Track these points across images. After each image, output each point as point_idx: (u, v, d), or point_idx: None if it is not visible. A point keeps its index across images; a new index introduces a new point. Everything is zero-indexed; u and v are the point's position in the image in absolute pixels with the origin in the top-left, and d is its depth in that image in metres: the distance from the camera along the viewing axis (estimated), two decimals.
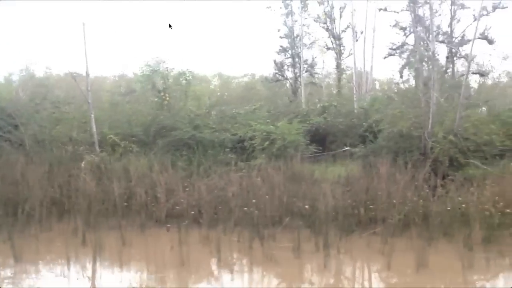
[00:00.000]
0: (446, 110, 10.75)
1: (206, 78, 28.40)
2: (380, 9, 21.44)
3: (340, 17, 22.03)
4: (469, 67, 15.69)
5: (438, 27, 19.41)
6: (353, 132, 14.02)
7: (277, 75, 24.24)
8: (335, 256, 6.68)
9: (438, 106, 10.73)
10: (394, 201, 7.97)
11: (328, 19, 21.96)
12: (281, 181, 8.85)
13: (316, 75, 25.00)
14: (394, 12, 21.23)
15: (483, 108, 14.57)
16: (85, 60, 11.97)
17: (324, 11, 21.91)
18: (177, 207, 7.95)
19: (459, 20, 19.72)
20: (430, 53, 12.31)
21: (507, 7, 18.15)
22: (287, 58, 23.73)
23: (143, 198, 8.32)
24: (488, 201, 7.89)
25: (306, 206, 7.69)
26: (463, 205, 7.71)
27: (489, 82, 25.09)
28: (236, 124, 12.55)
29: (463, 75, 20.93)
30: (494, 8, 18.59)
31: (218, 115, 12.71)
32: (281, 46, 23.46)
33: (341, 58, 22.55)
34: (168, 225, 7.78)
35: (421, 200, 8.08)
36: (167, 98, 12.56)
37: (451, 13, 20.01)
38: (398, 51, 20.56)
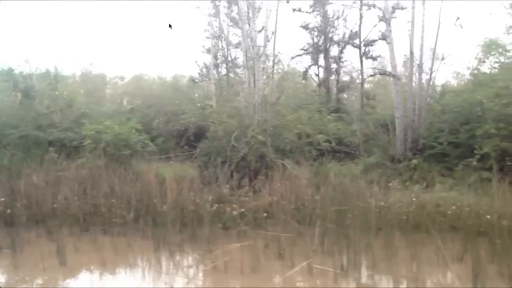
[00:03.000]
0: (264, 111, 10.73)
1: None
2: (294, 10, 21.58)
3: (255, 18, 22.01)
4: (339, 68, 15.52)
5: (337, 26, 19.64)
6: None
7: (201, 76, 24.44)
8: None
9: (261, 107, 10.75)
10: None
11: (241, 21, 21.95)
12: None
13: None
14: (307, 12, 21.43)
15: None
16: None
17: (238, 13, 21.87)
18: None
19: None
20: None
21: (405, 8, 18.02)
22: (216, 58, 23.85)
23: None
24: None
25: (54, 205, 7.69)
26: (216, 205, 7.73)
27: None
28: (88, 123, 12.53)
29: (371, 75, 21.06)
30: (394, 9, 18.53)
31: (67, 114, 12.70)
32: (203, 46, 23.72)
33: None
34: None
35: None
36: (19, 97, 12.58)
37: (359, 14, 20.08)
38: (306, 51, 20.67)
